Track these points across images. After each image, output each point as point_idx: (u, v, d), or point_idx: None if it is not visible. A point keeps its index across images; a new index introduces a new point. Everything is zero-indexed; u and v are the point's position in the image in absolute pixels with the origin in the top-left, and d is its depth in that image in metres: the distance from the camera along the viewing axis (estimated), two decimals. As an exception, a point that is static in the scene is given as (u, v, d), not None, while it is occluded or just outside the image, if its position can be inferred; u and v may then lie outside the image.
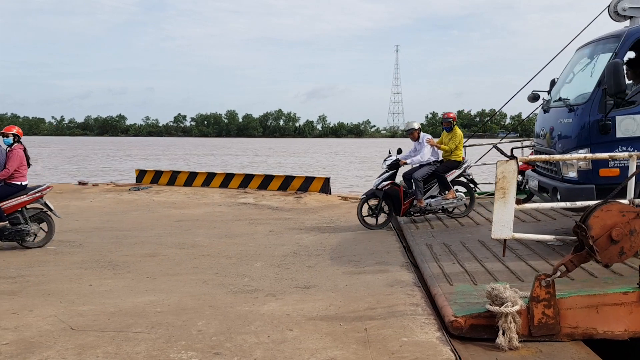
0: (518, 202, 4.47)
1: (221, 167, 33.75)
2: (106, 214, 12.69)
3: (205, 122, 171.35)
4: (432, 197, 9.94)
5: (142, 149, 72.96)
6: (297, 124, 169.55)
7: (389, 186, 9.88)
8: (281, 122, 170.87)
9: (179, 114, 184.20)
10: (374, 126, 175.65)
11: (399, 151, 11.25)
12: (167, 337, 4.52)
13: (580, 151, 6.32)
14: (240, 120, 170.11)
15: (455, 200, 9.85)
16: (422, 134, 10.23)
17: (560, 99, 7.12)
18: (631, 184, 4.58)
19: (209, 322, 4.89)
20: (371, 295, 5.61)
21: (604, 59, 6.52)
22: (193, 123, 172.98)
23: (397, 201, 9.86)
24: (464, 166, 10.04)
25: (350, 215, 12.19)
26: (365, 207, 10.09)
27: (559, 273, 4.27)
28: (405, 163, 10.09)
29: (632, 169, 4.56)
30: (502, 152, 4.53)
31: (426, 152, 10.01)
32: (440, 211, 9.97)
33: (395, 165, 10.01)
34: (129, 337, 4.52)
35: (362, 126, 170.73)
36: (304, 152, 64.26)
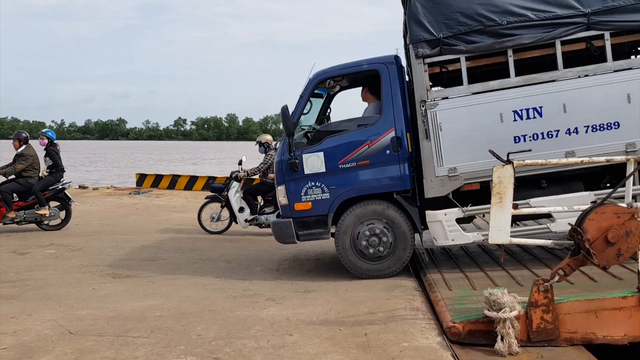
0: (515, 206, 4.47)
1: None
2: (106, 217, 12.68)
3: (206, 126, 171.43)
4: None
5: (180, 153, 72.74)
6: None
7: None
8: (281, 126, 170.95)
9: (179, 117, 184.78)
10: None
11: None
12: (167, 341, 4.51)
13: (279, 188, 6.78)
14: (241, 123, 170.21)
15: None
16: None
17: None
18: (629, 186, 4.59)
19: (209, 326, 4.89)
20: (371, 299, 5.60)
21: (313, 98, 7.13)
22: (193, 127, 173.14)
23: None
24: None
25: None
26: None
27: (556, 277, 4.25)
28: None
29: (629, 170, 4.57)
30: (497, 157, 4.52)
31: None
32: None
33: None
34: (128, 342, 4.52)
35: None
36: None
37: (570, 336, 4.34)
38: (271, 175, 10.23)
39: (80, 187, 19.88)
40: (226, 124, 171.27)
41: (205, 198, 11.05)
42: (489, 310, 4.27)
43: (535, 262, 6.43)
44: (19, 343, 4.53)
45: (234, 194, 10.30)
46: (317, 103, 7.59)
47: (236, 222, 10.35)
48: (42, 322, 5.07)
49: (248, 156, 12.08)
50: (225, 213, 10.58)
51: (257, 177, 10.90)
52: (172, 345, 4.42)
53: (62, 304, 5.75)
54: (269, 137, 10.85)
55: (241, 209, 10.31)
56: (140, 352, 4.28)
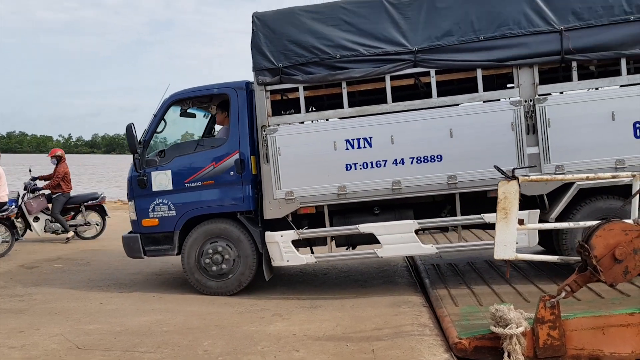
0: (520, 222, 4.47)
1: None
2: (113, 232, 12.66)
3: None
4: None
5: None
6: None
7: None
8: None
9: (187, 132, 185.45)
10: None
11: None
12: (173, 356, 4.52)
13: (129, 203, 7.05)
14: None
15: None
16: None
17: None
18: (635, 203, 4.59)
19: (215, 341, 4.89)
20: (378, 315, 5.60)
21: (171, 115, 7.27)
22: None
23: None
24: None
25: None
26: None
27: (563, 294, 4.24)
28: None
29: (635, 188, 4.58)
30: (502, 173, 4.54)
31: None
32: None
33: None
34: (135, 357, 4.53)
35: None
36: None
37: (577, 353, 4.31)
38: None
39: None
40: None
41: None
42: (495, 327, 4.26)
43: (542, 278, 6.41)
44: (27, 357, 4.55)
45: None
46: (199, 122, 7.98)
47: None
48: (50, 337, 5.09)
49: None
50: None
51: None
52: (179, 361, 4.43)
53: (70, 319, 5.77)
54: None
55: None
56: (147, 367, 4.30)
